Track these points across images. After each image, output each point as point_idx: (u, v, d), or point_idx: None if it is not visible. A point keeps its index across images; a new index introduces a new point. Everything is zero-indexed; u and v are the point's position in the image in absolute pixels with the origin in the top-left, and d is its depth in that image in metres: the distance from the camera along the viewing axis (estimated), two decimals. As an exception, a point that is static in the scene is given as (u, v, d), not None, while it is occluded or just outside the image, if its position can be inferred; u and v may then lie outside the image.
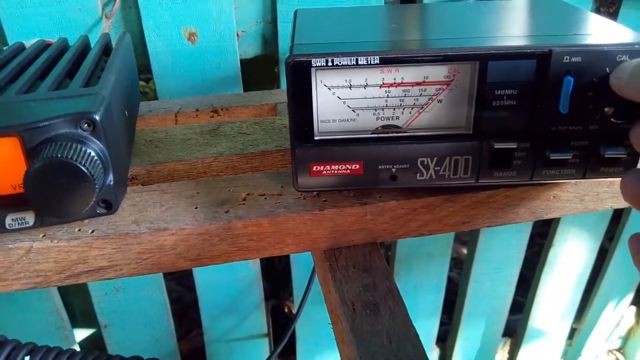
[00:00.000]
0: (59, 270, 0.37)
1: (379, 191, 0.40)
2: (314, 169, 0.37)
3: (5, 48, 0.55)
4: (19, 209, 0.36)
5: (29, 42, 0.57)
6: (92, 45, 0.55)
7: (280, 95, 0.66)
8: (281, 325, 1.10)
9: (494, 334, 1.14)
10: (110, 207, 0.37)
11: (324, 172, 0.37)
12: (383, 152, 0.37)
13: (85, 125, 0.34)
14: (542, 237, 1.10)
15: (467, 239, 1.22)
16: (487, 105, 0.36)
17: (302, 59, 0.34)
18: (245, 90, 0.76)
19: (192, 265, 0.38)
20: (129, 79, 0.52)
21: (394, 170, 0.37)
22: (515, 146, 0.36)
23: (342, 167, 0.37)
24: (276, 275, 1.20)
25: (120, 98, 0.42)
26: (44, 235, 0.36)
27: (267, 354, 1.02)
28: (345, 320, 0.35)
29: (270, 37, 0.74)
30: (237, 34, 0.71)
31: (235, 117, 0.63)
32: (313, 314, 0.98)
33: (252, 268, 0.92)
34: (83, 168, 0.32)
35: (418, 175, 0.38)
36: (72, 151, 0.32)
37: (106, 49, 0.55)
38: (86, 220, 0.37)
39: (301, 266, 0.93)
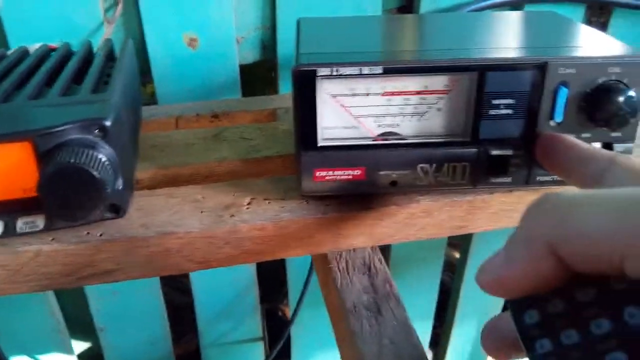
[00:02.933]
0: (67, 273, 0.38)
1: (379, 196, 0.41)
2: (318, 174, 0.39)
3: (9, 52, 0.56)
4: (29, 213, 0.36)
5: (32, 47, 0.58)
6: (94, 50, 0.56)
7: (279, 100, 0.67)
8: (275, 329, 1.11)
9: (486, 336, 1.16)
10: (118, 211, 0.38)
11: (327, 177, 0.39)
12: (384, 158, 0.38)
13: (97, 131, 0.35)
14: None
15: (459, 242, 1.23)
16: (485, 113, 0.37)
17: (308, 68, 0.36)
18: (243, 94, 0.77)
19: (197, 267, 0.39)
20: (134, 84, 0.53)
21: (394, 175, 0.39)
22: (511, 153, 0.38)
23: (344, 172, 0.39)
24: (270, 278, 1.20)
25: (127, 104, 0.43)
26: (53, 239, 0.37)
27: (263, 357, 1.03)
28: (347, 321, 0.36)
29: (269, 43, 0.75)
30: (237, 40, 0.73)
31: (235, 122, 0.64)
32: (308, 316, 0.99)
33: (247, 270, 0.93)
34: (95, 173, 0.33)
35: (417, 180, 0.39)
36: (84, 156, 0.33)
37: (110, 55, 0.56)
38: (94, 224, 0.38)
39: (296, 269, 0.94)
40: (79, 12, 0.66)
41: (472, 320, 1.13)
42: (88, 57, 0.54)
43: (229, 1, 0.69)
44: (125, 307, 0.90)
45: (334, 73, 0.36)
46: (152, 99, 0.77)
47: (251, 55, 0.75)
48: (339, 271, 0.40)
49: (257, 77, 0.87)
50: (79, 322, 0.95)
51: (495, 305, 1.11)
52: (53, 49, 0.57)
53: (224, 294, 0.94)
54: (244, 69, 0.76)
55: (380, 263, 0.40)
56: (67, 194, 0.33)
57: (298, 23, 0.48)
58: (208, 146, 0.51)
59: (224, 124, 0.64)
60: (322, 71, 0.36)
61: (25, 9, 0.65)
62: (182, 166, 0.47)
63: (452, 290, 1.12)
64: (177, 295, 1.16)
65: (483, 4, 0.73)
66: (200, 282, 0.91)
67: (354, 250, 0.42)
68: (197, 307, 0.94)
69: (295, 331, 1.03)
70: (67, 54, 0.55)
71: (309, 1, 0.71)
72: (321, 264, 0.43)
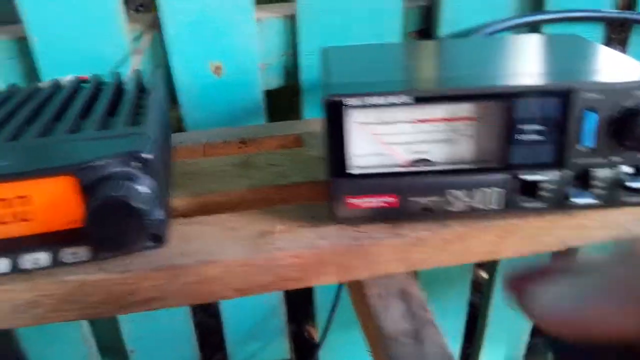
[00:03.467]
0: (111, 301, 0.39)
1: (412, 222, 0.42)
2: (350, 201, 0.39)
3: (40, 84, 0.58)
4: (74, 244, 0.38)
5: (64, 79, 0.60)
6: (122, 81, 0.58)
7: (303, 125, 0.68)
8: (302, 351, 1.10)
9: (515, 357, 1.15)
10: (159, 240, 0.39)
11: (361, 204, 0.39)
12: (415, 185, 0.39)
13: (137, 163, 0.36)
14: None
15: (486, 263, 1.22)
16: (514, 139, 0.38)
17: (337, 98, 0.37)
18: (267, 119, 0.78)
19: (237, 295, 0.40)
20: (164, 114, 0.54)
21: (426, 202, 0.39)
22: (543, 178, 0.38)
23: (377, 199, 0.39)
24: (296, 300, 1.21)
25: (160, 134, 0.45)
26: (98, 268, 0.38)
27: (290, 379, 1.03)
28: (386, 349, 0.36)
29: (292, 69, 0.76)
30: (261, 67, 0.74)
31: (261, 147, 0.65)
32: (336, 339, 0.98)
33: (274, 291, 0.93)
34: (138, 205, 0.34)
35: (449, 206, 0.40)
36: (127, 189, 0.34)
37: (140, 85, 0.58)
38: (137, 254, 0.39)
39: (324, 290, 0.95)
40: (107, 44, 0.68)
41: (500, 341, 1.12)
42: (119, 88, 0.56)
43: (252, 29, 0.71)
44: (155, 330, 0.91)
45: (364, 103, 0.37)
46: (178, 125, 0.79)
47: (274, 81, 0.77)
48: (375, 297, 0.40)
49: (280, 102, 0.88)
50: (109, 344, 0.96)
51: (523, 326, 1.10)
52: (83, 80, 0.59)
53: (252, 315, 0.95)
54: (268, 95, 0.77)
55: (416, 288, 0.41)
56: (112, 226, 0.34)
57: (324, 52, 0.49)
58: (238, 173, 0.52)
59: (250, 150, 0.65)
60: (352, 101, 0.37)
61: (55, 42, 0.67)
62: (214, 193, 0.48)
63: (480, 310, 1.11)
64: (206, 317, 1.17)
65: (502, 25, 0.74)
66: (228, 304, 0.92)
67: (389, 276, 0.42)
68: (225, 328, 0.95)
69: (323, 355, 1.03)
70: (99, 86, 0.57)
71: (329, 27, 0.73)
72: (356, 290, 0.44)
